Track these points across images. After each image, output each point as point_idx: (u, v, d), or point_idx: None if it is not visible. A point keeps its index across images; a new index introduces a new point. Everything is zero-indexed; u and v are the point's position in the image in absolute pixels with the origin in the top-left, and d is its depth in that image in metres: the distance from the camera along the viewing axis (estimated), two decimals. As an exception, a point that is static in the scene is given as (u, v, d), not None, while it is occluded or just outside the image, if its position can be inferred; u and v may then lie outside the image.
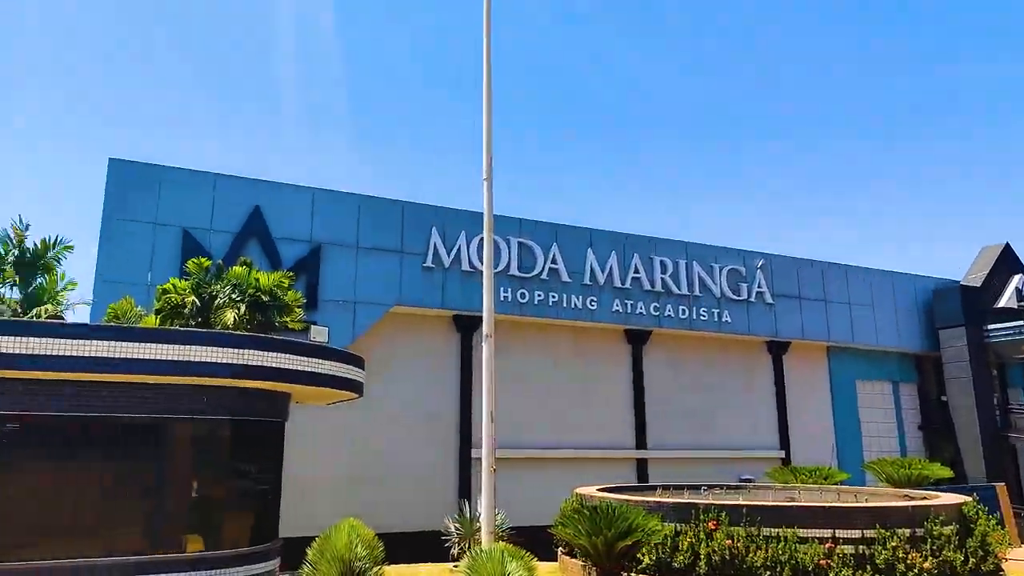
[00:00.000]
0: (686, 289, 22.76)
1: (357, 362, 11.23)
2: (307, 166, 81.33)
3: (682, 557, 10.77)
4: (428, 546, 15.67)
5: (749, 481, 19.81)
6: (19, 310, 12.33)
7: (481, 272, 20.57)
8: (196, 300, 13.70)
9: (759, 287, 24.05)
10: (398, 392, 19.32)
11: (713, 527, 10.82)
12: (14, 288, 12.68)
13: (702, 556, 10.61)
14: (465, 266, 20.27)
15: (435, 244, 20.12)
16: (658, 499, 12.32)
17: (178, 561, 8.99)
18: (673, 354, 23.33)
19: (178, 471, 9.55)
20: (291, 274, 14.61)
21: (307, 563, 8.53)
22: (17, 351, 7.87)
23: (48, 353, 8.01)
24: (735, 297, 23.55)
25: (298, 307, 14.42)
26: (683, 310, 22.61)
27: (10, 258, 12.57)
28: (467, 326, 20.52)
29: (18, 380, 8.39)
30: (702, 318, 22.85)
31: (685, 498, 12.71)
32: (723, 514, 10.97)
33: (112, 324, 10.42)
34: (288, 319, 14.38)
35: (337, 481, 17.93)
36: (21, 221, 12.53)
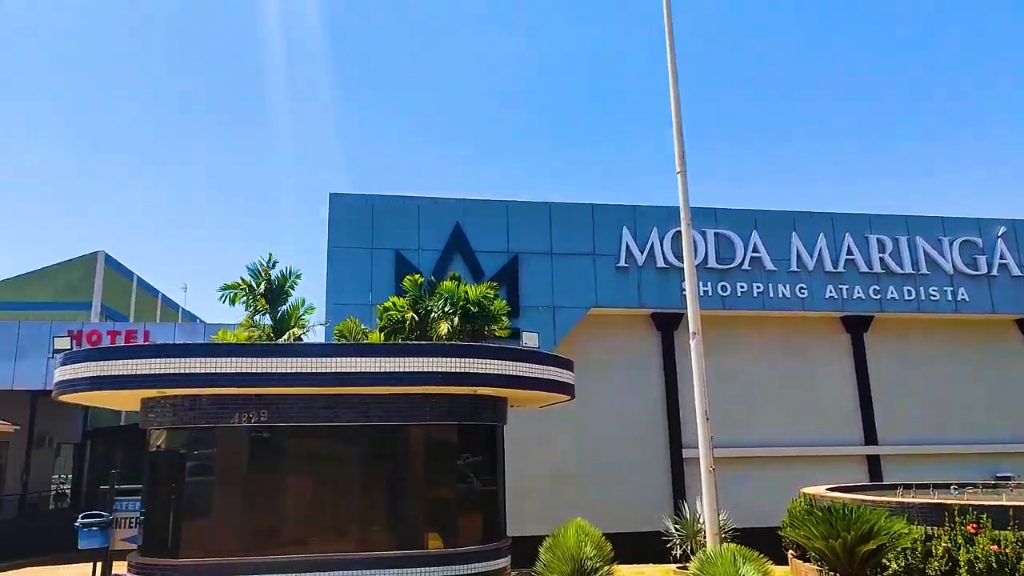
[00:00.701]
0: (910, 268, 20.56)
1: (567, 365, 11.48)
2: (504, 179, 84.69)
3: (937, 564, 9.73)
4: (643, 546, 15.57)
5: (1009, 479, 17.43)
6: (271, 335, 14.12)
7: (676, 267, 20.30)
8: (414, 315, 14.78)
9: (1002, 258, 21.09)
10: (602, 393, 19.42)
11: (973, 531, 9.66)
12: (265, 316, 14.55)
13: (962, 563, 9.51)
14: (660, 263, 19.92)
15: (627, 243, 20.00)
16: (900, 499, 11.24)
17: (421, 557, 9.74)
18: (901, 339, 21.17)
19: (414, 474, 10.37)
20: (496, 284, 15.30)
21: (540, 561, 8.85)
22: (290, 370, 9.06)
23: (308, 371, 9.12)
24: (972, 272, 20.86)
25: (503, 316, 15.07)
26: (908, 291, 20.45)
27: (260, 289, 14.44)
28: (666, 323, 20.16)
29: (289, 395, 9.60)
30: (932, 298, 20.51)
31: (934, 498, 11.46)
32: (984, 515, 9.76)
33: (353, 343, 11.55)
34: (496, 327, 15.05)
35: (548, 484, 18.39)
36: (271, 259, 14.32)
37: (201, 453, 10.08)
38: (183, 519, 9.85)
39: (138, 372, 9.06)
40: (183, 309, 33.90)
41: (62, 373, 9.79)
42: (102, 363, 9.35)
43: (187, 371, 9.04)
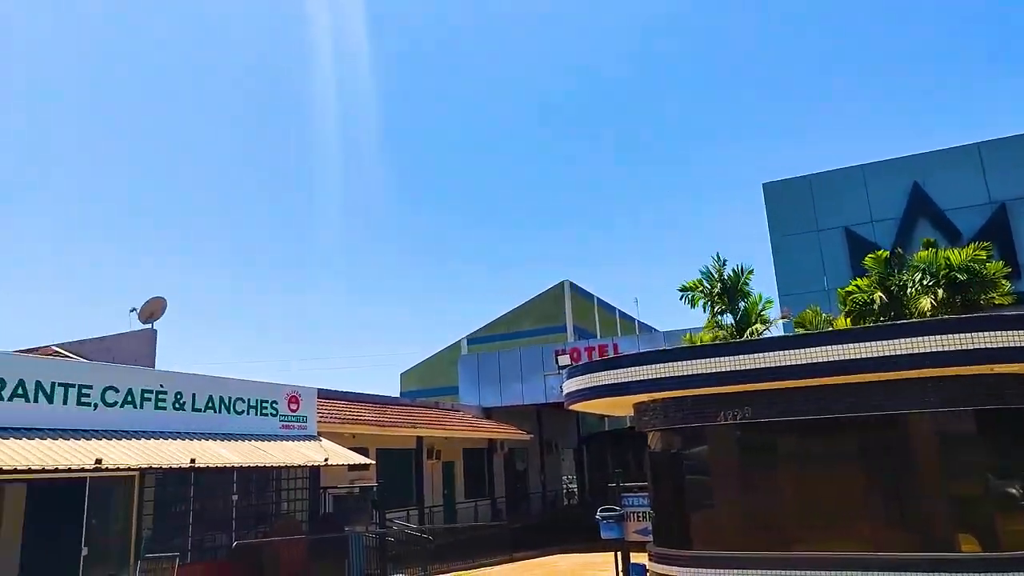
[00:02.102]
0: None
1: None
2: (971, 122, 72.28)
3: None
4: None
5: None
6: (734, 333, 14.29)
7: None
8: (882, 295, 13.44)
9: None
10: None
11: None
12: (725, 315, 14.82)
13: None
14: None
15: None
16: None
17: (954, 562, 8.56)
18: None
19: (926, 467, 9.24)
20: (986, 244, 13.02)
21: None
22: (769, 365, 9.05)
23: (786, 364, 8.95)
24: None
25: (1002, 279, 12.73)
26: None
27: (716, 289, 14.79)
28: None
29: (770, 391, 9.56)
30: None
31: None
32: None
33: (829, 331, 10.98)
34: (994, 294, 12.78)
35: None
36: (719, 259, 14.63)
37: (694, 452, 10.64)
38: (688, 513, 10.49)
39: (631, 379, 10.07)
40: (638, 321, 36.71)
41: (568, 386, 11.42)
42: (600, 374, 10.64)
43: (671, 375, 9.69)
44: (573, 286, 33.59)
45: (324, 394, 18.23)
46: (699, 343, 13.80)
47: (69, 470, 9.89)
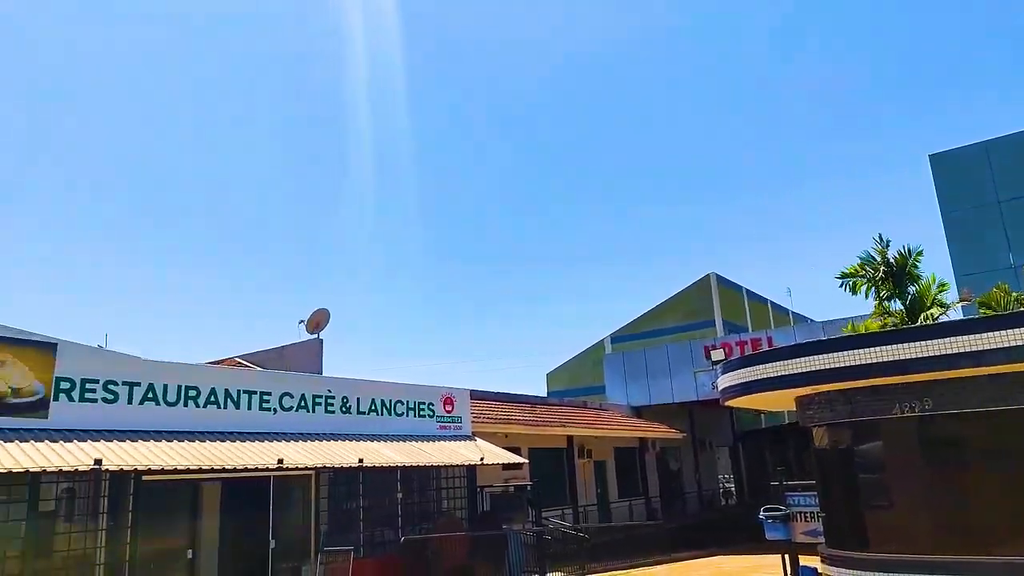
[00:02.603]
0: None
1: None
2: None
3: None
4: None
5: None
6: (905, 320, 13.11)
7: None
8: (1089, 268, 11.89)
9: None
10: None
11: None
12: (893, 300, 13.62)
13: None
14: None
15: None
16: None
17: None
18: None
19: None
20: None
21: None
22: (951, 351, 8.26)
23: (973, 350, 8.11)
24: None
25: None
26: None
27: (880, 274, 13.64)
28: None
29: (953, 380, 8.71)
30: None
31: None
32: None
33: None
34: None
35: None
36: (882, 239, 13.50)
37: (866, 447, 9.90)
38: (863, 514, 9.78)
39: (796, 371, 9.53)
40: (792, 312, 34.81)
41: (724, 381, 11.01)
42: (760, 367, 10.17)
43: (843, 364, 9.06)
44: (720, 278, 32.40)
45: (476, 395, 18.75)
46: (863, 332, 12.83)
47: (256, 469, 10.85)
